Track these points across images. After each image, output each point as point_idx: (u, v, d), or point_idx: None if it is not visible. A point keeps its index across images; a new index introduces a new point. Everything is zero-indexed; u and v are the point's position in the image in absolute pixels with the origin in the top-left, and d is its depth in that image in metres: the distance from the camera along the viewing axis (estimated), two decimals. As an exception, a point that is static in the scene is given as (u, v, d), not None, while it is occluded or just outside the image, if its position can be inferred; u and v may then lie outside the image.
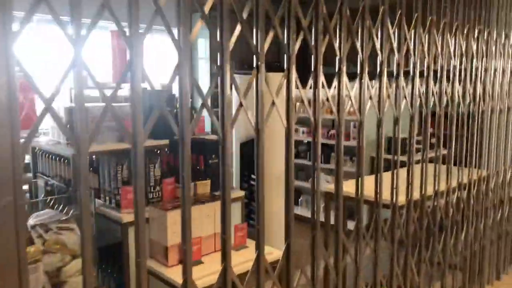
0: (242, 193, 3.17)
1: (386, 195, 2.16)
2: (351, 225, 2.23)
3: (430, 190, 2.49)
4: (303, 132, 5.65)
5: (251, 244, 2.70)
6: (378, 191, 2.09)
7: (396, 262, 2.24)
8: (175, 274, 2.16)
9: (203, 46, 6.94)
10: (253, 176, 3.93)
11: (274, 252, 2.17)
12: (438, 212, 2.56)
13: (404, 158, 2.29)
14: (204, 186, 2.62)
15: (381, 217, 2.10)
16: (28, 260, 1.63)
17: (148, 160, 2.66)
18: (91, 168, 2.82)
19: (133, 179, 1.26)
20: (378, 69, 2.04)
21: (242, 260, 1.98)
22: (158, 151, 2.93)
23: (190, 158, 1.35)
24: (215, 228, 2.51)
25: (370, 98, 2.00)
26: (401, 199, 2.27)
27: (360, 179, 1.98)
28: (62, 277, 1.85)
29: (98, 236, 2.34)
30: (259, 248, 1.60)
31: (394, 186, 2.20)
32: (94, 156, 2.82)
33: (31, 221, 1.92)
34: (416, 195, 2.36)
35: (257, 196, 1.57)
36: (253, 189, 3.98)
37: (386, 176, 2.12)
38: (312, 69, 1.74)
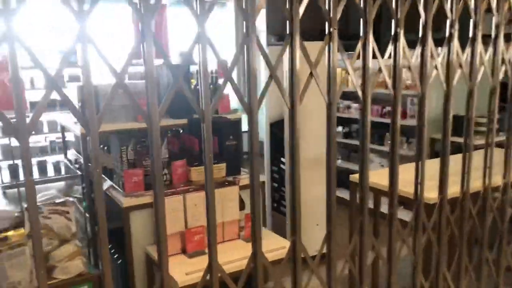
0: (263, 178, 3.00)
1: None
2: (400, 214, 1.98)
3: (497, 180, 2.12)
4: (355, 109, 4.98)
5: (267, 235, 2.60)
6: (444, 179, 1.83)
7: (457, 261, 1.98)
8: (173, 264, 2.11)
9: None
10: (283, 160, 3.66)
11: (288, 245, 1.99)
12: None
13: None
14: (218, 170, 2.51)
15: (446, 210, 1.85)
16: (11, 244, 1.70)
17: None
18: (105, 147, 2.76)
19: (150, 162, 1.21)
20: (471, 32, 1.77)
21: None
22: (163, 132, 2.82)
23: (211, 139, 1.26)
24: (223, 216, 2.42)
25: (436, 67, 1.73)
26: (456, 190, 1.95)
27: (420, 163, 1.75)
28: (51, 262, 1.88)
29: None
30: (295, 235, 1.47)
31: (465, 171, 1.92)
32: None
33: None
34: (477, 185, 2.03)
35: (292, 180, 1.44)
36: (283, 173, 3.70)
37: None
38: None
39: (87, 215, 2.79)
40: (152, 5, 1.12)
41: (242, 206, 2.60)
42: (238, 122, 2.92)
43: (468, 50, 1.84)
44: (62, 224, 1.93)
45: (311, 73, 1.40)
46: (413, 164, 1.79)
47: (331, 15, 1.40)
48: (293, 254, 1.47)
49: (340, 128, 4.99)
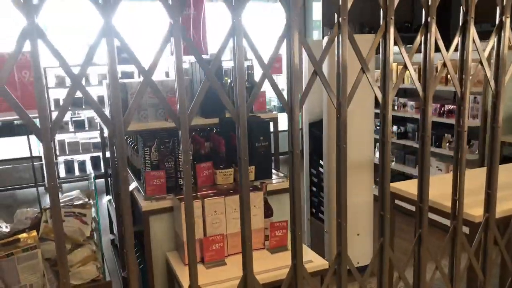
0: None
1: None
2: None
3: None
4: (411, 107, 4.48)
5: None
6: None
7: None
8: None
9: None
10: (321, 162, 3.28)
11: (316, 260, 1.81)
12: None
13: None
14: None
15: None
16: (23, 247, 1.65)
17: (177, 142, 2.38)
18: (135, 147, 2.65)
19: (182, 162, 1.13)
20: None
21: (279, 265, 1.64)
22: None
23: (247, 142, 1.16)
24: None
25: (515, 61, 1.49)
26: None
27: (491, 170, 1.52)
28: None
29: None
30: (341, 245, 1.33)
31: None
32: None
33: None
34: None
35: (338, 185, 1.30)
36: (323, 177, 3.23)
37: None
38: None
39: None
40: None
41: (269, 213, 2.41)
42: (269, 122, 2.72)
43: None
44: (75, 228, 1.89)
45: (362, 69, 1.25)
46: (476, 170, 1.56)
47: (388, 3, 1.23)
48: (338, 267, 1.34)
49: (394, 128, 4.63)
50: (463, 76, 1.41)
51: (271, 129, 2.75)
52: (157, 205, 2.37)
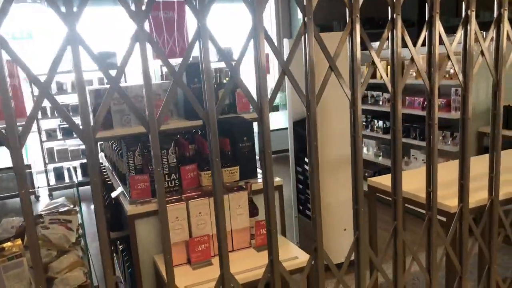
0: (280, 181, 2.63)
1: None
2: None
3: None
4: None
5: (283, 243, 2.31)
6: (494, 176, 1.62)
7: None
8: (176, 276, 2.02)
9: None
10: (307, 160, 3.34)
11: (302, 256, 1.84)
12: None
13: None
14: (230, 174, 2.31)
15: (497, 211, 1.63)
16: (8, 255, 1.67)
17: (160, 145, 2.44)
18: (120, 152, 2.66)
19: (153, 166, 1.15)
20: None
21: (265, 262, 1.68)
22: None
23: (218, 143, 1.18)
24: (232, 224, 2.22)
25: (482, 54, 1.52)
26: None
27: (463, 161, 1.55)
28: (50, 273, 1.82)
29: (116, 226, 2.22)
30: (317, 241, 1.36)
31: (522, 168, 1.69)
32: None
33: (39, 210, 1.94)
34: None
35: (311, 182, 1.32)
36: (307, 174, 3.35)
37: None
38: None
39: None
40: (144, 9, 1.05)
41: (254, 212, 2.44)
42: (252, 122, 2.71)
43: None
44: (60, 235, 1.90)
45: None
46: (457, 162, 1.60)
47: (353, 1, 1.26)
48: (315, 262, 1.36)
49: (380, 123, 4.67)
50: (431, 70, 1.44)
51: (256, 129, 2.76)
52: (143, 208, 2.38)
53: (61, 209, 2.15)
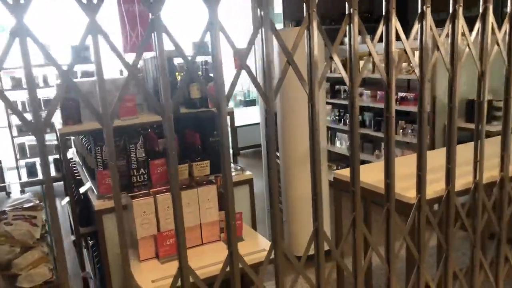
0: (250, 175, 2.70)
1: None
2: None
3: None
4: (367, 96, 4.60)
5: (250, 236, 2.39)
6: (451, 167, 1.67)
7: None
8: (144, 270, 2.06)
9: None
10: (278, 154, 3.24)
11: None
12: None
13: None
14: (201, 168, 2.32)
15: (454, 201, 1.69)
16: None
17: (128, 139, 2.40)
18: (89, 147, 2.68)
19: (108, 161, 1.15)
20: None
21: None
22: (140, 129, 2.64)
23: (173, 137, 1.18)
24: (201, 218, 2.24)
25: (437, 49, 1.56)
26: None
27: (420, 152, 1.59)
28: (14, 270, 1.80)
29: (86, 221, 2.22)
30: (276, 233, 1.38)
31: (477, 159, 1.74)
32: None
33: (5, 206, 1.92)
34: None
35: (270, 177, 1.34)
36: (279, 168, 3.14)
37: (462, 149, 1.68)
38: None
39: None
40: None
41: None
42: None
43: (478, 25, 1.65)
44: (24, 231, 1.89)
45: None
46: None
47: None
48: (274, 254, 1.38)
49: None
50: (387, 65, 1.47)
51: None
52: (110, 203, 2.37)
53: (26, 205, 2.11)
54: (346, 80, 1.41)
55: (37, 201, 2.27)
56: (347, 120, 4.84)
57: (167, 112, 1.15)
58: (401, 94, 4.00)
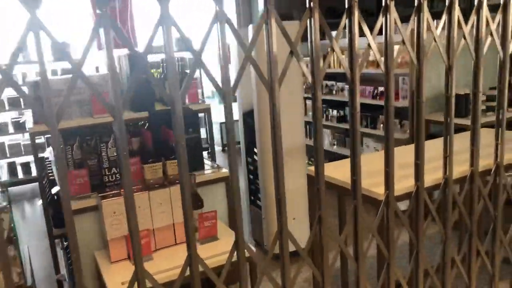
0: (226, 173, 2.66)
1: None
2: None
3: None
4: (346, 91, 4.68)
5: (225, 235, 2.36)
6: (419, 161, 1.65)
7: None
8: (115, 272, 2.05)
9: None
10: (256, 150, 3.31)
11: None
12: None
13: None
14: (175, 166, 2.26)
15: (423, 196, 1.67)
16: None
17: (99, 138, 2.36)
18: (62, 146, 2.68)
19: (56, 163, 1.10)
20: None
21: (209, 254, 1.72)
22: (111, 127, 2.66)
23: (126, 132, 1.14)
24: (173, 217, 2.22)
25: (403, 43, 1.53)
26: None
27: (388, 149, 1.57)
28: None
29: (60, 223, 2.19)
30: (238, 232, 1.35)
31: (447, 154, 1.73)
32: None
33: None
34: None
35: (231, 173, 1.30)
36: (257, 165, 3.24)
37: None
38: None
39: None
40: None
41: (198, 205, 2.41)
42: (197, 113, 2.72)
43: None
44: None
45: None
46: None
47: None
48: (237, 253, 1.35)
49: (334, 112, 4.71)
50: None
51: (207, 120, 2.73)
52: (81, 204, 2.33)
53: None
54: (308, 76, 1.38)
55: (4, 203, 2.21)
56: (329, 115, 4.83)
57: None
58: (381, 89, 3.99)
